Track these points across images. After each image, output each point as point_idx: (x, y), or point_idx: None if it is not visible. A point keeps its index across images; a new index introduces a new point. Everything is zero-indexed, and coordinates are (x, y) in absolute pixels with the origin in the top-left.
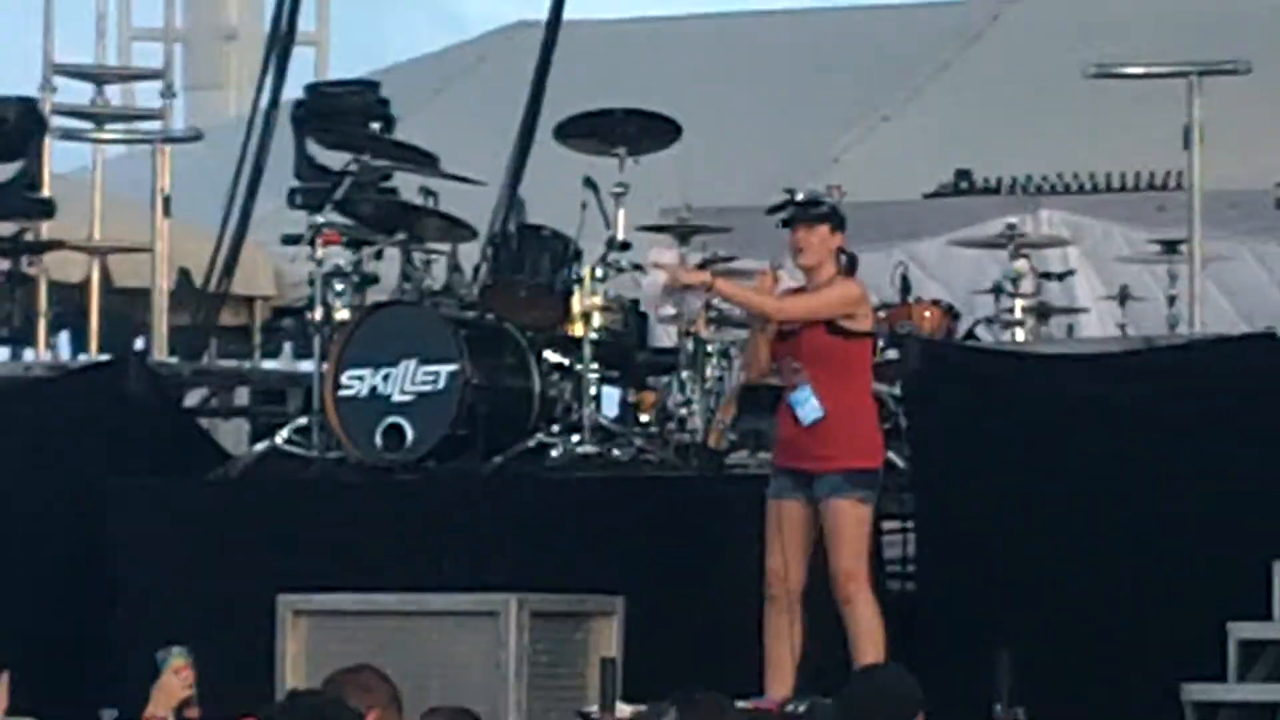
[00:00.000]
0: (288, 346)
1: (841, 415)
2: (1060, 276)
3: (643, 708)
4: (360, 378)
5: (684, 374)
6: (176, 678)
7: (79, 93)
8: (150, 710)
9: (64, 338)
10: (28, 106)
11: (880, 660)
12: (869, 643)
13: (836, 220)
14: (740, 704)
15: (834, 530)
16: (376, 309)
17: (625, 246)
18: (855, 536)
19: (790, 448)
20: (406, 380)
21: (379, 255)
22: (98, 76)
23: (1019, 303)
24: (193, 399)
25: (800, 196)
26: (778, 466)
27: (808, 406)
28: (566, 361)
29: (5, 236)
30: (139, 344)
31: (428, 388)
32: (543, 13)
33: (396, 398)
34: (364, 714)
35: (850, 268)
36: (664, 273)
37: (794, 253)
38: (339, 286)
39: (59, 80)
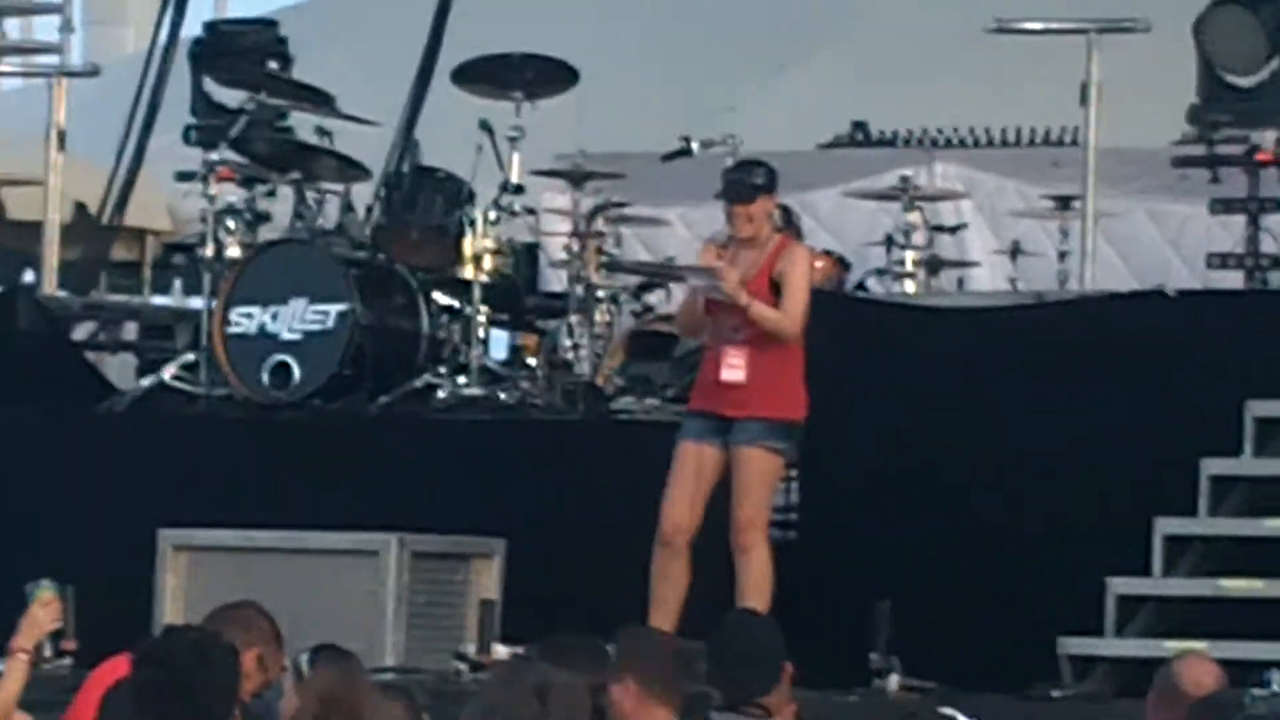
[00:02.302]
0: (178, 283)
1: (769, 368)
2: (953, 230)
3: (519, 650)
4: (249, 315)
5: (573, 319)
6: (43, 610)
7: None
8: (17, 642)
9: None
10: None
11: (766, 611)
12: (757, 593)
13: (770, 186)
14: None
15: (743, 478)
16: (268, 247)
17: (519, 190)
18: (764, 485)
19: (712, 393)
20: (295, 319)
21: (272, 193)
22: None
23: (910, 255)
24: (81, 332)
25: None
26: (694, 410)
27: (734, 369)
28: (456, 304)
29: None
30: (28, 276)
31: (316, 327)
32: None
33: (285, 336)
34: (242, 651)
35: (786, 220)
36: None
37: (736, 225)
38: (231, 224)
39: None
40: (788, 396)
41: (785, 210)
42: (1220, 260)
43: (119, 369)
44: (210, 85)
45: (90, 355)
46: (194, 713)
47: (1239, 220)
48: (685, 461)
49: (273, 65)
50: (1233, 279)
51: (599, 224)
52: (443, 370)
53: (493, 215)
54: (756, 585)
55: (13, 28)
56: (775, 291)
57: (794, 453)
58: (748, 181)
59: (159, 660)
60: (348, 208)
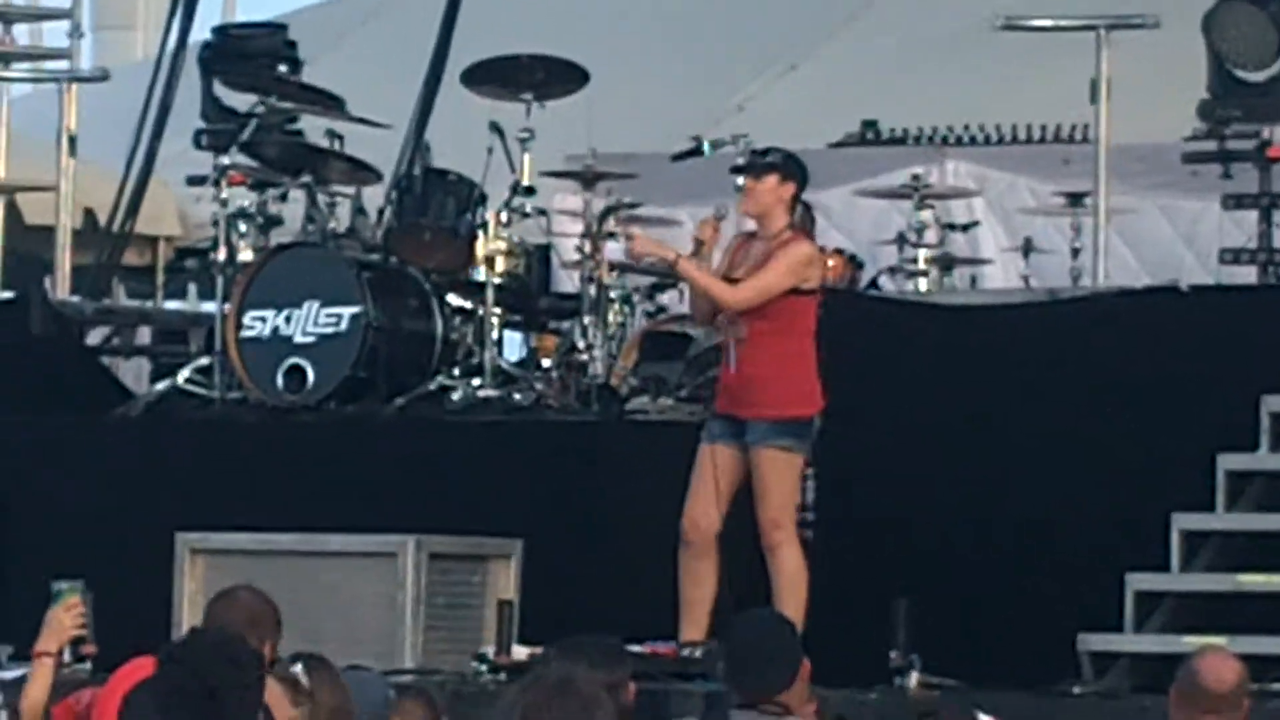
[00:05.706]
0: (192, 287)
1: (777, 366)
2: (965, 228)
3: (538, 650)
4: (263, 319)
5: (586, 319)
6: (68, 614)
7: None
8: (40, 645)
9: None
10: None
11: (801, 609)
12: (791, 592)
13: (786, 170)
14: (634, 648)
15: (761, 478)
16: (280, 250)
17: (530, 191)
18: (782, 485)
19: (726, 394)
20: (309, 322)
21: (284, 197)
22: (5, 15)
23: (923, 253)
24: (95, 338)
25: (708, 144)
26: (715, 412)
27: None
28: (469, 305)
29: None
30: (47, 283)
31: (330, 330)
32: None
33: (298, 339)
34: (261, 649)
35: (806, 218)
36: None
37: (741, 201)
38: (243, 228)
39: None
40: (796, 393)
41: (806, 207)
42: (1233, 256)
43: (134, 374)
44: (220, 89)
45: (105, 360)
46: (221, 717)
47: (1251, 216)
48: (702, 463)
49: (282, 69)
50: (1246, 274)
51: (610, 224)
52: (457, 372)
53: (504, 217)
54: (789, 583)
55: (22, 34)
56: None
57: (808, 449)
58: (759, 160)
59: (185, 662)
60: (359, 211)
